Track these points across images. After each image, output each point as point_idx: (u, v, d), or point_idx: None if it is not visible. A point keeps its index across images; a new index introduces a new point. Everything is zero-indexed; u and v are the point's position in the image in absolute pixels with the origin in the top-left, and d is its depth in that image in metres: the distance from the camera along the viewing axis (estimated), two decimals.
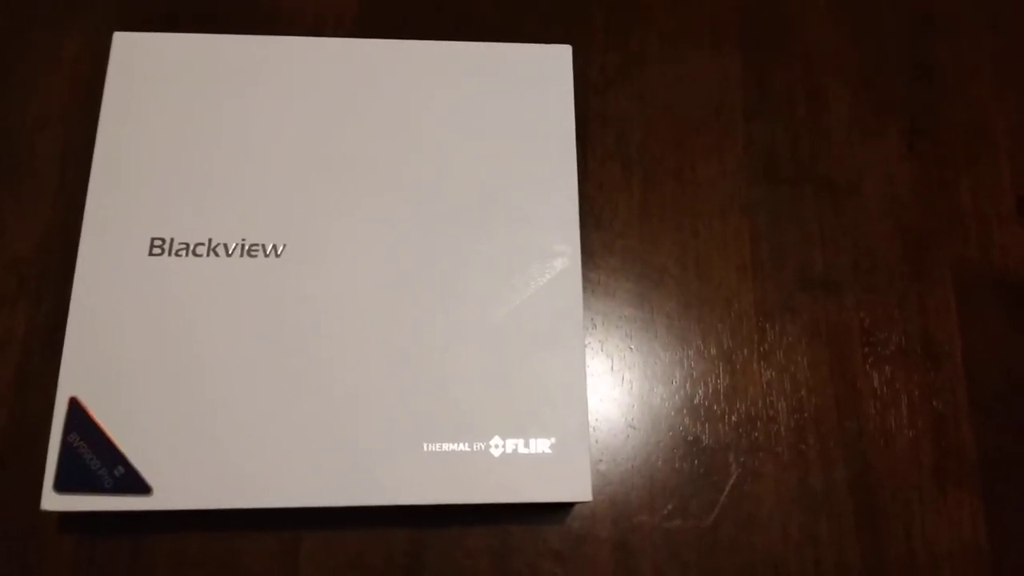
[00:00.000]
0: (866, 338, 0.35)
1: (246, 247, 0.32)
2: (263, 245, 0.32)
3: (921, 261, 0.37)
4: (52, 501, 0.29)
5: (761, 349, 0.35)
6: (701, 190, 0.37)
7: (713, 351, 0.35)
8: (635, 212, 0.36)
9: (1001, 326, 0.36)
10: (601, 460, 0.33)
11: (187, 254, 0.31)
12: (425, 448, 0.30)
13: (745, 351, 0.35)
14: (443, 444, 0.30)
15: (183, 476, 0.29)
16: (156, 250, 0.31)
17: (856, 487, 0.33)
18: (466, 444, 0.30)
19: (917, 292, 0.36)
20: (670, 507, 0.33)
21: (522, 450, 0.30)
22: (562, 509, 0.32)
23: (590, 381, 0.34)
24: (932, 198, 0.38)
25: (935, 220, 0.37)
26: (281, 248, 0.32)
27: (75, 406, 0.29)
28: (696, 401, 0.34)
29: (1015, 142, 0.39)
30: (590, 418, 0.33)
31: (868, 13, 0.40)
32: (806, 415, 0.34)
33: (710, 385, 0.34)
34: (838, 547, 0.32)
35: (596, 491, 0.32)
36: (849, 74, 0.39)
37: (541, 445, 0.30)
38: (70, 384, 0.30)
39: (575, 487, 0.30)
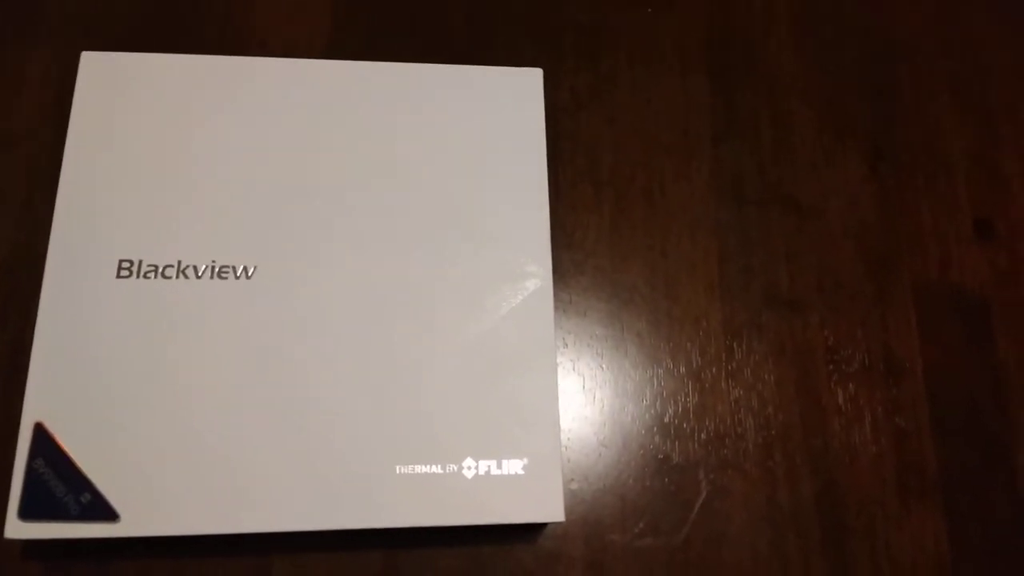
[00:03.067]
0: (830, 356, 0.36)
1: (216, 269, 0.31)
2: (233, 267, 0.31)
3: (883, 280, 0.37)
4: (16, 529, 0.28)
5: (729, 367, 0.35)
6: (670, 211, 0.37)
7: (683, 369, 0.35)
8: (605, 232, 0.37)
9: (960, 344, 0.37)
10: (573, 479, 0.33)
11: (156, 276, 0.31)
12: (398, 471, 0.30)
13: (714, 369, 0.35)
14: (416, 466, 0.30)
15: (151, 502, 0.29)
16: (124, 272, 0.31)
17: (822, 503, 0.34)
18: (439, 466, 0.30)
19: (879, 311, 0.37)
20: (641, 525, 0.33)
21: (495, 471, 0.30)
22: (535, 529, 0.32)
23: (562, 400, 0.34)
24: (893, 219, 0.39)
25: (896, 240, 0.38)
26: (252, 270, 0.31)
27: (40, 432, 0.29)
28: (666, 419, 0.34)
29: (972, 164, 0.40)
30: (562, 437, 0.33)
31: (829, 38, 0.41)
32: (773, 432, 0.34)
33: (680, 403, 0.35)
34: (805, 563, 0.33)
35: (568, 510, 0.33)
36: (812, 97, 0.40)
37: (514, 466, 0.30)
38: (35, 409, 0.29)
39: (548, 508, 0.30)
